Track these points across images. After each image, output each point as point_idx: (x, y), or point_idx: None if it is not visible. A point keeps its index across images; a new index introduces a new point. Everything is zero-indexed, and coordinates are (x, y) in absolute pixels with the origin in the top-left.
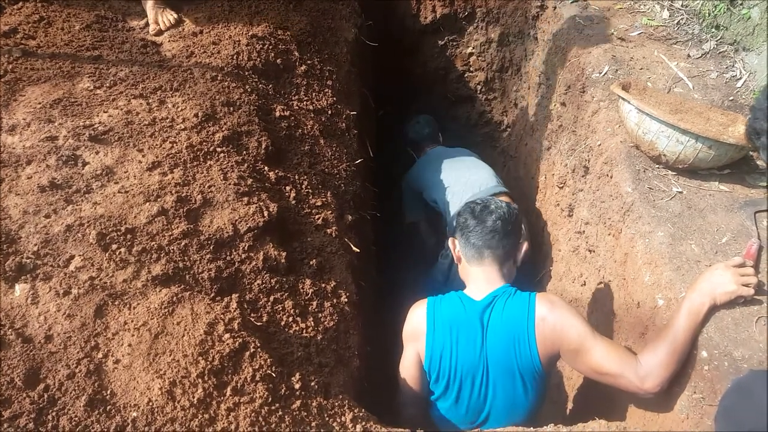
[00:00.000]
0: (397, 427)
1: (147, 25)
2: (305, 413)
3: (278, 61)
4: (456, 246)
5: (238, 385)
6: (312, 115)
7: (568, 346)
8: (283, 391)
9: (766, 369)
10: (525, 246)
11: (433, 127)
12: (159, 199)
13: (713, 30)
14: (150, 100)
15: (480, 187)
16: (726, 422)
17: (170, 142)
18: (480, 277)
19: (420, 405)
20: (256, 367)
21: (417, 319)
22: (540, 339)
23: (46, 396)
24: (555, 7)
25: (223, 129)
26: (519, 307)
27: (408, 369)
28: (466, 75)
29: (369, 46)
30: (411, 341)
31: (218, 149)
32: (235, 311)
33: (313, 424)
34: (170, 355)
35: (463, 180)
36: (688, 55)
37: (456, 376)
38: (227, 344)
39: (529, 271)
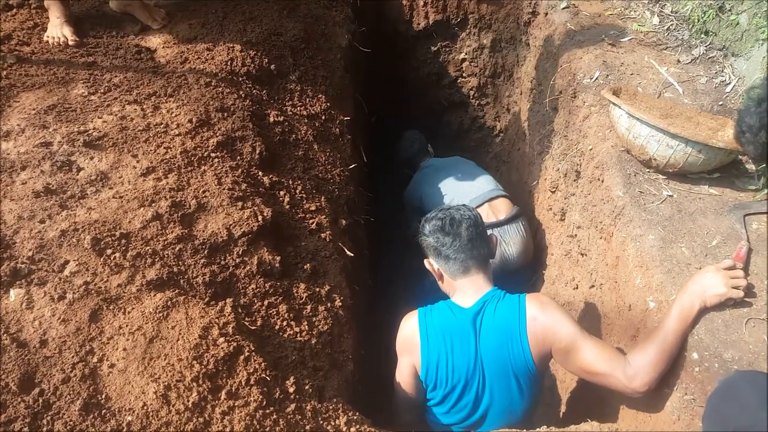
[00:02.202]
0: (392, 430)
1: (141, 30)
2: (300, 417)
3: (272, 66)
4: (434, 266)
5: (233, 388)
6: (306, 121)
7: (558, 344)
8: (277, 394)
9: (751, 370)
10: (494, 238)
11: (420, 140)
12: (153, 204)
13: (702, 36)
14: (144, 106)
15: (476, 192)
16: (713, 422)
17: (165, 148)
18: (469, 287)
19: (416, 411)
20: (251, 370)
21: (410, 331)
22: (532, 338)
23: (41, 400)
24: (546, 14)
25: (218, 134)
26: (510, 309)
27: (404, 380)
28: (458, 80)
29: (362, 52)
30: (405, 354)
31: (212, 154)
32: (229, 315)
33: (308, 427)
34: (165, 359)
35: (460, 190)
36: (678, 61)
37: (453, 383)
38: (222, 348)
39: (523, 274)
